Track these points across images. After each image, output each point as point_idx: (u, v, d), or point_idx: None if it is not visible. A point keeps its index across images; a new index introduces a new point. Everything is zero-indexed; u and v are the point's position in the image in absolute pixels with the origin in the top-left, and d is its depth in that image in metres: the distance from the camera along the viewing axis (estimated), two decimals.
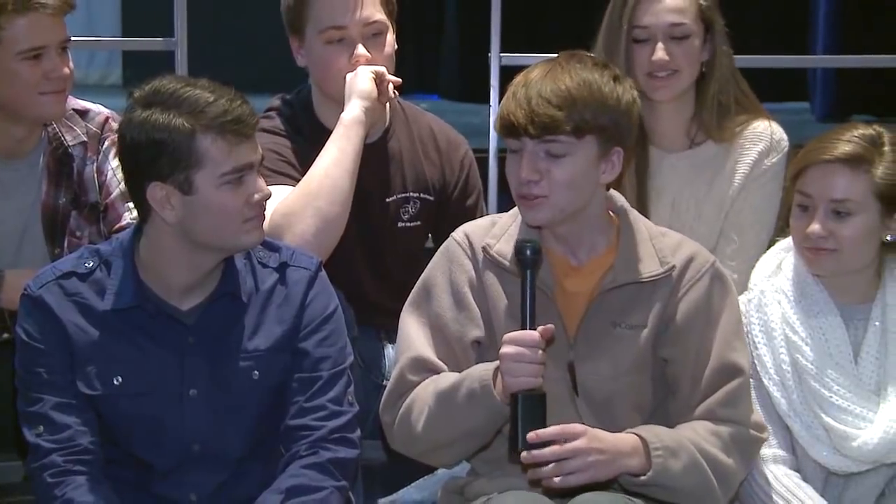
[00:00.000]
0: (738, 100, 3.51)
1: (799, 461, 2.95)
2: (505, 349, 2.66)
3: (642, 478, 2.68)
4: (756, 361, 2.96)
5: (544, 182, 2.76)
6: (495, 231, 2.89)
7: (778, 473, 2.92)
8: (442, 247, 2.93)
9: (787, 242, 3.06)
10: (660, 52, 3.40)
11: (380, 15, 3.39)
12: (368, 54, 3.36)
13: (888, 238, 2.95)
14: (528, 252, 2.71)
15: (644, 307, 2.82)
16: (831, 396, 2.90)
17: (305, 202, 3.17)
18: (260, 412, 2.82)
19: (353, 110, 3.26)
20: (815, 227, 2.91)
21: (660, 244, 2.86)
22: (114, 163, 3.42)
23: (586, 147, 2.77)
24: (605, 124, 2.77)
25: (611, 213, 2.89)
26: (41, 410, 2.75)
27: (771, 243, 3.22)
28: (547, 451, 2.62)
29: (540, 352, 2.65)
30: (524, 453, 2.62)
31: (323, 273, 2.90)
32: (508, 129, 2.77)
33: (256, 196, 2.72)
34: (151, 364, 2.77)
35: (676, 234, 2.94)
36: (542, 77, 2.76)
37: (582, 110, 2.74)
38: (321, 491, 2.74)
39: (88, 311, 2.77)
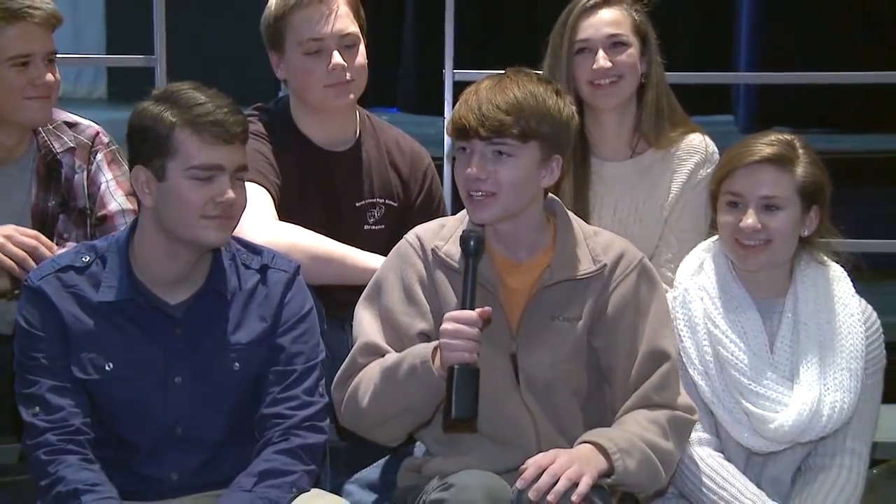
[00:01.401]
0: (671, 109, 3.53)
1: (722, 443, 2.97)
2: (445, 325, 2.68)
3: (607, 480, 2.70)
4: (682, 353, 2.96)
5: (491, 180, 2.77)
6: (444, 233, 2.90)
7: (704, 455, 2.93)
8: (395, 247, 2.95)
9: (707, 244, 3.08)
10: (601, 61, 3.41)
11: (353, 28, 3.41)
12: (344, 62, 3.37)
13: (805, 233, 2.97)
14: (472, 241, 2.73)
15: (579, 301, 2.84)
16: (750, 384, 2.92)
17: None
18: (238, 400, 2.82)
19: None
20: (749, 221, 2.92)
21: (593, 243, 2.88)
22: (108, 175, 3.42)
23: (530, 151, 2.79)
24: (547, 132, 2.79)
25: (549, 215, 2.91)
26: (37, 392, 2.75)
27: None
28: (544, 478, 2.63)
29: (476, 330, 2.67)
30: (531, 493, 2.62)
31: (301, 277, 2.91)
32: (460, 131, 2.78)
33: (219, 199, 2.72)
34: (140, 352, 2.78)
35: (607, 233, 2.97)
36: (492, 87, 2.79)
37: (528, 117, 2.76)
38: (291, 475, 2.76)
39: (84, 302, 2.78)
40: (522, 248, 2.86)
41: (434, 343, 2.73)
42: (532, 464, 2.66)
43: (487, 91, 2.78)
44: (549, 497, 2.61)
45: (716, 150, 3.52)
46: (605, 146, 3.50)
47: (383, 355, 2.82)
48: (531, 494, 2.62)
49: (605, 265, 2.85)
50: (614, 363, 2.84)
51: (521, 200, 2.82)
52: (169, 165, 2.70)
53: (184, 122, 2.69)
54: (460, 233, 2.85)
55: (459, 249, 2.82)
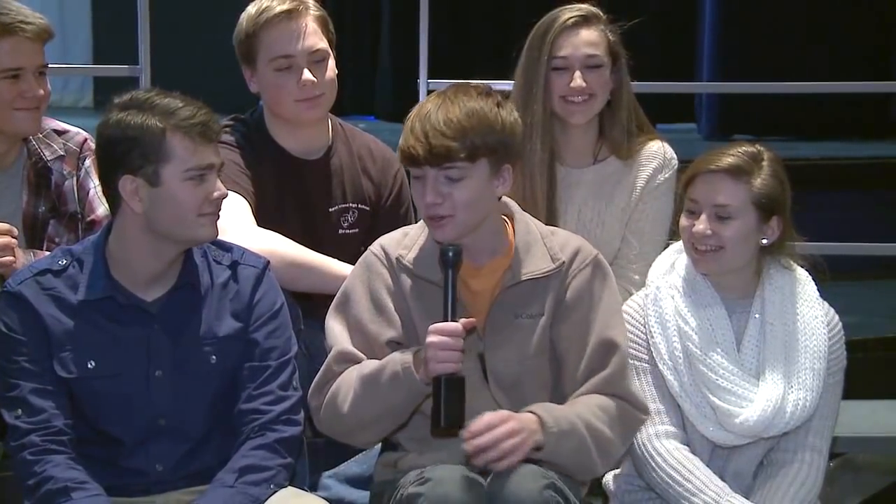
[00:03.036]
0: (638, 121, 3.53)
1: (688, 436, 2.96)
2: (430, 338, 2.68)
3: (538, 453, 2.70)
4: (652, 349, 2.97)
5: (447, 203, 2.77)
6: (406, 242, 2.90)
7: (670, 447, 2.93)
8: (360, 259, 2.95)
9: (679, 244, 3.06)
10: (578, 80, 3.41)
11: (322, 44, 3.40)
12: (314, 78, 3.36)
13: (763, 241, 2.97)
14: (450, 254, 2.74)
15: (540, 298, 2.85)
16: (717, 379, 2.92)
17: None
18: (217, 392, 2.81)
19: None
20: (699, 227, 2.93)
21: (550, 242, 2.89)
22: (96, 180, 3.40)
23: (480, 169, 2.78)
24: (494, 146, 2.78)
25: (505, 217, 2.91)
26: (20, 395, 2.73)
27: (665, 245, 3.24)
28: (488, 436, 2.64)
29: (461, 341, 2.68)
30: (469, 443, 2.64)
31: (270, 272, 2.90)
32: (410, 160, 2.77)
33: (215, 194, 2.74)
34: (121, 349, 2.76)
35: (564, 232, 2.98)
36: (435, 110, 2.77)
37: (473, 137, 2.75)
38: (269, 470, 2.76)
39: (63, 303, 2.76)
40: (483, 253, 2.86)
41: (414, 349, 2.74)
42: (483, 421, 2.66)
43: (430, 115, 2.76)
44: (477, 461, 2.66)
45: (674, 156, 3.55)
46: (569, 154, 3.51)
47: (356, 362, 2.82)
48: (468, 447, 2.65)
49: (563, 262, 2.86)
50: (566, 351, 2.85)
51: (479, 215, 2.82)
52: (163, 170, 2.69)
53: (174, 127, 2.68)
54: (421, 240, 2.87)
55: (422, 257, 2.84)
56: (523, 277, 2.84)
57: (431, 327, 2.69)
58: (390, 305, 2.85)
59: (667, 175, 3.50)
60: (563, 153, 3.52)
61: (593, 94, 3.44)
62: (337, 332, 2.88)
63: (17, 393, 2.73)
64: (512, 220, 2.91)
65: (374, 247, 2.93)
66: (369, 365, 2.79)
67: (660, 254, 3.17)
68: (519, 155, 2.92)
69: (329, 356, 2.86)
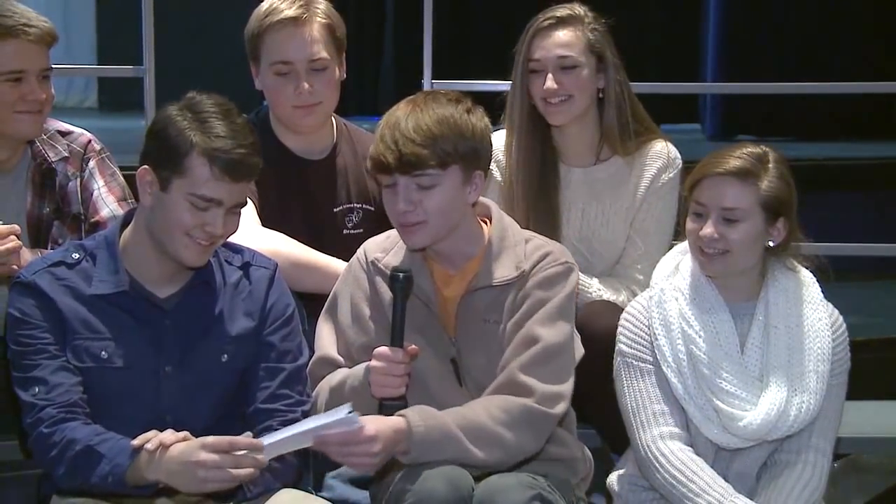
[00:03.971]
0: (637, 119, 3.53)
1: (692, 438, 2.96)
2: (373, 363, 2.71)
3: (404, 458, 2.67)
4: (656, 351, 2.96)
5: (419, 210, 2.76)
6: (387, 245, 2.91)
7: (674, 448, 2.92)
8: (349, 262, 2.95)
9: (683, 246, 3.06)
10: (549, 82, 3.43)
11: (324, 53, 3.39)
12: (311, 88, 3.37)
13: (770, 243, 2.97)
14: (400, 279, 2.75)
15: (500, 304, 2.84)
16: (721, 382, 2.91)
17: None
18: (225, 391, 2.82)
19: None
20: (707, 230, 2.92)
21: (521, 250, 2.87)
22: (100, 182, 3.41)
23: (451, 175, 2.78)
24: (465, 152, 2.78)
25: (484, 221, 2.90)
26: (36, 374, 2.72)
27: (670, 246, 3.24)
28: (336, 450, 2.61)
29: (402, 366, 2.70)
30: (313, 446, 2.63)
31: (280, 273, 2.91)
32: (380, 167, 2.76)
33: (208, 227, 2.71)
34: (132, 343, 2.77)
35: (540, 240, 2.93)
36: (405, 118, 2.76)
37: (443, 144, 2.74)
38: (293, 467, 2.79)
39: (77, 293, 2.77)
40: (456, 259, 2.86)
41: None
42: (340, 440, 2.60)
43: (400, 123, 2.75)
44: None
45: (678, 155, 3.54)
46: (570, 153, 3.52)
47: (334, 366, 2.86)
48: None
49: (524, 271, 2.83)
50: (506, 342, 2.82)
51: (451, 221, 2.82)
52: (174, 181, 2.69)
53: (202, 150, 2.66)
54: (401, 244, 2.86)
55: (398, 261, 2.85)
56: (486, 284, 2.83)
57: (375, 351, 2.72)
58: (366, 310, 2.87)
59: (671, 175, 3.50)
60: (563, 153, 3.52)
61: (571, 96, 3.44)
62: (324, 335, 2.91)
63: (34, 373, 2.72)
64: (490, 223, 2.90)
65: (360, 249, 2.95)
66: (337, 375, 2.83)
67: (664, 254, 3.17)
68: (489, 161, 2.90)
69: (311, 361, 2.90)
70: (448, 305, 2.85)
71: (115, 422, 2.75)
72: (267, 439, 2.61)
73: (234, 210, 2.75)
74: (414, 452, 2.65)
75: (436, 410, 2.71)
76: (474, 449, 2.69)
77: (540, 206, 3.44)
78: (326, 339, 2.90)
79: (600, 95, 3.49)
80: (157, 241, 2.74)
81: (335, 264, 3.25)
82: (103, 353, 2.75)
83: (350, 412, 2.58)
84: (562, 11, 3.47)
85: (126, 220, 2.83)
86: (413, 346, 2.73)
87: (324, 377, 2.86)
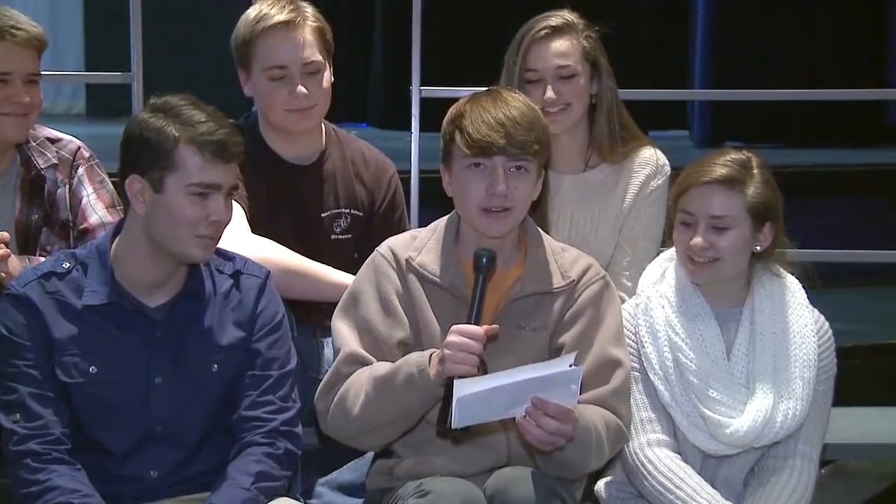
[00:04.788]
0: (624, 126, 3.54)
1: (680, 445, 2.97)
2: (451, 337, 2.65)
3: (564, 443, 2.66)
4: (643, 358, 2.97)
5: (510, 196, 2.78)
6: (416, 244, 2.89)
7: (661, 455, 2.93)
8: (368, 259, 2.93)
9: (669, 253, 3.07)
10: (549, 92, 3.43)
11: (317, 56, 3.40)
12: (307, 90, 3.37)
13: (757, 248, 2.98)
14: (484, 259, 2.74)
15: (545, 312, 2.84)
16: (708, 389, 2.92)
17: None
18: (216, 400, 2.81)
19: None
20: (697, 240, 2.93)
21: (561, 259, 2.89)
22: (89, 189, 3.41)
23: (536, 166, 2.82)
24: (546, 146, 2.83)
25: (518, 231, 2.90)
26: (18, 400, 2.72)
27: (658, 253, 3.25)
28: (553, 424, 2.60)
29: (480, 345, 2.65)
30: (528, 407, 2.59)
31: (271, 281, 2.91)
32: (484, 149, 2.76)
33: (213, 217, 2.71)
34: (122, 354, 2.76)
35: (574, 250, 2.96)
36: (499, 104, 2.79)
37: (539, 132, 2.79)
38: (279, 481, 2.78)
39: (67, 307, 2.76)
40: (500, 262, 2.83)
41: (428, 352, 2.72)
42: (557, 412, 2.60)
43: (496, 108, 2.78)
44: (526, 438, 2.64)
45: (666, 162, 3.55)
46: (560, 160, 3.52)
47: (365, 363, 2.80)
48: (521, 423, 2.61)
49: (573, 280, 2.86)
50: (549, 355, 2.82)
51: (523, 215, 2.85)
52: (168, 179, 2.69)
53: (188, 140, 2.68)
54: (431, 244, 2.85)
55: (433, 260, 2.82)
56: (533, 291, 2.83)
57: (454, 327, 2.67)
58: (399, 307, 2.84)
59: (659, 182, 3.51)
60: (553, 159, 3.52)
61: (569, 104, 3.45)
62: (345, 333, 2.85)
63: (15, 397, 2.72)
64: (525, 232, 2.91)
65: (383, 248, 2.92)
66: (382, 367, 2.76)
67: (652, 260, 3.18)
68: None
69: (338, 358, 2.84)
70: (483, 309, 2.78)
71: (105, 433, 2.77)
72: (462, 391, 2.52)
73: (230, 194, 2.76)
74: (570, 444, 2.65)
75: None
76: (594, 454, 2.73)
77: (532, 215, 3.44)
78: (350, 337, 2.84)
79: (593, 102, 3.51)
80: (159, 245, 2.73)
81: (326, 272, 3.25)
82: (92, 368, 2.74)
83: (573, 365, 2.56)
84: (555, 20, 3.47)
85: (117, 230, 2.82)
86: (494, 325, 2.71)
87: (351, 374, 2.80)
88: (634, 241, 3.50)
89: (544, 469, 2.75)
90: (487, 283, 2.73)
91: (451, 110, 2.86)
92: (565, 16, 3.49)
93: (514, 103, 2.80)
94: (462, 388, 2.55)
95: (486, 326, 2.68)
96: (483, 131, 2.76)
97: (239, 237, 3.14)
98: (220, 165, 2.71)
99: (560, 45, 3.45)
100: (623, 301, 3.20)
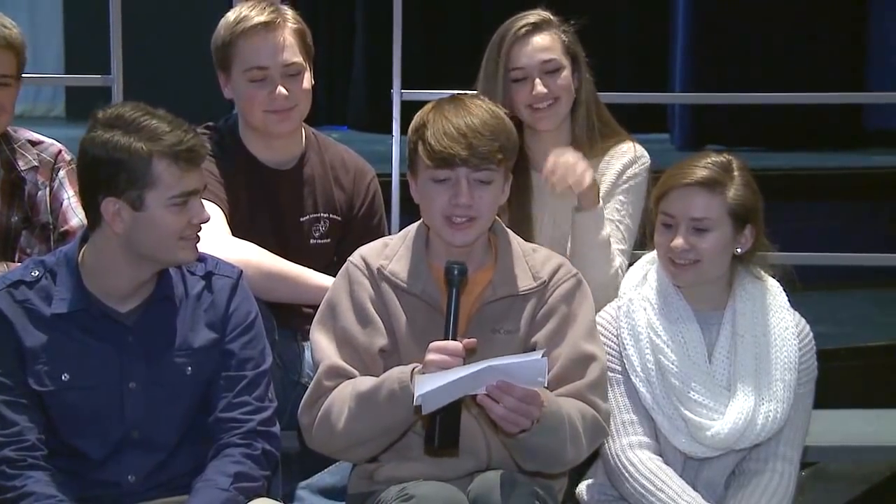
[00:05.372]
0: (603, 121, 3.54)
1: (661, 447, 2.97)
2: (430, 356, 2.64)
3: (528, 427, 2.65)
4: (625, 361, 2.98)
5: (475, 206, 2.76)
6: (387, 252, 2.88)
7: (643, 458, 2.94)
8: (342, 270, 2.92)
9: (651, 255, 3.08)
10: (539, 87, 3.43)
11: (297, 58, 3.39)
12: (287, 92, 3.36)
13: (738, 250, 2.99)
14: (456, 272, 2.72)
15: (517, 314, 2.84)
16: (689, 392, 2.93)
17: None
18: (191, 403, 2.81)
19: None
20: (678, 241, 2.94)
21: (532, 260, 2.88)
22: (70, 191, 3.40)
23: (501, 173, 2.80)
24: (512, 152, 2.82)
25: (488, 233, 2.90)
26: None
27: (636, 257, 3.25)
28: (515, 402, 2.58)
29: (460, 360, 2.64)
30: (491, 386, 2.57)
31: (244, 281, 2.90)
32: (446, 160, 2.74)
33: (195, 220, 2.72)
34: (95, 361, 2.75)
35: (544, 250, 2.96)
36: (461, 112, 2.76)
37: (503, 140, 2.77)
38: (258, 481, 2.77)
39: (36, 316, 2.74)
40: (470, 267, 2.82)
41: (410, 367, 2.70)
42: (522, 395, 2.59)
43: (459, 117, 2.75)
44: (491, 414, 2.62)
45: (644, 154, 3.54)
46: (540, 159, 3.51)
47: (347, 376, 2.79)
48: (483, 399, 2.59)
49: (544, 280, 2.85)
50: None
51: (490, 222, 2.84)
52: (147, 196, 2.67)
53: (160, 154, 2.65)
54: (402, 251, 2.85)
55: (404, 268, 2.82)
56: (504, 294, 2.83)
57: (432, 345, 2.66)
58: (375, 315, 2.83)
59: (636, 170, 3.50)
60: (534, 158, 3.52)
61: (558, 98, 3.45)
62: (324, 345, 2.84)
63: None
64: (496, 235, 2.91)
65: (355, 257, 2.91)
66: (365, 382, 2.75)
67: (627, 246, 3.18)
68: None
69: (318, 371, 2.83)
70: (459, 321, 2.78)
71: (82, 440, 2.76)
72: (424, 387, 2.52)
73: (202, 195, 2.76)
74: (538, 425, 2.63)
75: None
76: (569, 443, 2.71)
77: (516, 215, 3.44)
78: (330, 349, 2.82)
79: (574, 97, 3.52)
80: (143, 256, 2.72)
81: (306, 274, 3.25)
82: (64, 375, 2.73)
83: (543, 356, 2.56)
84: (533, 17, 3.49)
85: (84, 237, 2.79)
86: (471, 339, 2.70)
87: (334, 388, 2.79)
88: (610, 223, 3.48)
89: (520, 461, 2.75)
90: (461, 295, 2.72)
91: (415, 119, 2.84)
92: (541, 13, 3.51)
93: (477, 111, 2.77)
94: (424, 384, 2.55)
95: (464, 340, 2.67)
96: (445, 143, 2.73)
97: (219, 240, 3.14)
98: (194, 171, 2.71)
99: (542, 39, 3.47)
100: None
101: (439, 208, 2.79)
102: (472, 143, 2.72)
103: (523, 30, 3.46)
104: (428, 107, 2.83)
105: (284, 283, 3.21)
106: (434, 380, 2.56)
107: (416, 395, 2.55)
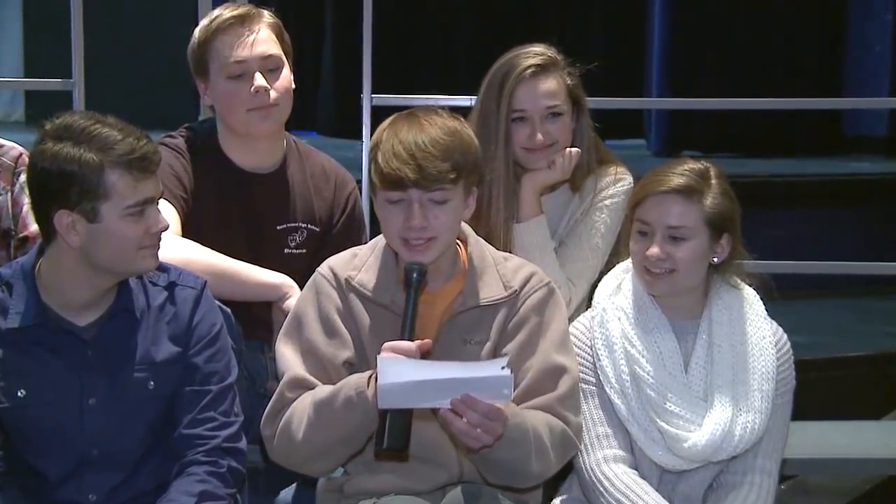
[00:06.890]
0: (598, 159, 3.55)
1: (637, 460, 2.97)
2: (383, 355, 2.63)
3: (492, 442, 2.64)
4: (599, 372, 2.97)
5: (430, 227, 2.75)
6: (356, 263, 2.88)
7: (618, 471, 2.93)
8: (309, 281, 2.92)
9: (626, 264, 3.08)
10: (539, 136, 3.42)
11: (276, 50, 3.40)
12: (267, 85, 3.36)
13: (714, 260, 2.99)
14: (415, 274, 2.72)
15: (488, 324, 2.83)
16: (665, 403, 2.93)
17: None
18: (154, 418, 2.79)
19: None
20: (654, 250, 2.94)
21: (503, 269, 2.88)
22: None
23: (459, 190, 2.78)
24: (471, 167, 2.79)
25: (458, 241, 2.90)
26: None
27: (611, 265, 3.25)
28: (478, 418, 2.58)
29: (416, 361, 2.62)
30: (455, 400, 2.56)
31: (208, 292, 2.88)
32: (395, 183, 2.72)
33: (153, 228, 2.70)
34: (53, 377, 2.72)
35: (517, 259, 2.97)
36: (413, 130, 2.74)
37: (458, 158, 2.74)
38: (224, 499, 2.76)
39: None
40: (439, 278, 2.84)
41: (367, 373, 2.70)
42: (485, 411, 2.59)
43: (411, 135, 2.73)
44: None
45: (626, 175, 3.55)
46: (530, 209, 3.49)
47: (310, 388, 2.78)
48: (445, 413, 2.59)
49: (515, 290, 2.85)
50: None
51: (453, 237, 2.83)
52: (102, 207, 2.64)
53: (112, 164, 2.62)
54: (371, 262, 2.85)
55: (372, 279, 2.82)
56: (473, 304, 2.83)
57: (386, 344, 2.65)
58: (342, 327, 2.82)
59: (615, 190, 3.51)
60: (523, 206, 3.51)
61: (556, 142, 3.45)
62: (289, 356, 2.83)
63: None
64: (465, 243, 2.91)
65: (323, 268, 2.91)
66: (323, 390, 2.75)
67: (593, 265, 3.18)
68: (482, 176, 2.90)
69: (282, 382, 2.82)
70: (426, 324, 2.79)
71: (41, 459, 2.74)
72: (388, 378, 2.52)
73: (158, 201, 2.74)
74: (501, 440, 2.62)
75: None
76: (534, 457, 2.70)
77: (502, 235, 3.43)
78: (294, 361, 2.82)
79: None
80: (102, 268, 2.70)
81: (252, 271, 3.23)
82: (21, 391, 2.71)
83: (505, 368, 2.54)
84: (539, 58, 3.45)
85: (41, 249, 2.77)
86: (426, 340, 2.68)
87: (296, 399, 2.78)
88: (578, 241, 3.48)
89: (485, 475, 2.75)
90: (419, 297, 2.72)
91: (374, 136, 2.82)
92: (547, 52, 3.49)
93: (430, 129, 2.74)
94: (388, 374, 2.54)
95: (419, 341, 2.66)
96: (393, 164, 2.71)
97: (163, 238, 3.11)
98: (149, 179, 2.68)
99: (548, 84, 3.45)
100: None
101: (395, 230, 2.78)
102: (421, 165, 2.70)
103: (529, 71, 3.43)
104: (385, 123, 2.82)
105: (227, 280, 3.18)
106: (399, 368, 2.55)
107: (379, 380, 2.53)
